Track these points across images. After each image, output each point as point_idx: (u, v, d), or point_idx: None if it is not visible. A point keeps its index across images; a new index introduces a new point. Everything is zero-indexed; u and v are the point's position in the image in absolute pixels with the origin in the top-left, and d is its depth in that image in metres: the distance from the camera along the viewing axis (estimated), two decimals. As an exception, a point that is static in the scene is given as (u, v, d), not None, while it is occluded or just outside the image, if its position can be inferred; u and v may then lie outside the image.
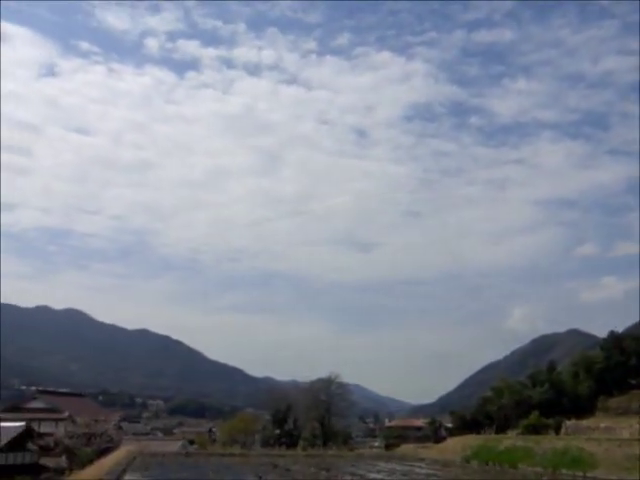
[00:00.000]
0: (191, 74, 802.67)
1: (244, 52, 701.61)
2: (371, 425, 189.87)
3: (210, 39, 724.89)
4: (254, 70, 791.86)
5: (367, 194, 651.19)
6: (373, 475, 31.03)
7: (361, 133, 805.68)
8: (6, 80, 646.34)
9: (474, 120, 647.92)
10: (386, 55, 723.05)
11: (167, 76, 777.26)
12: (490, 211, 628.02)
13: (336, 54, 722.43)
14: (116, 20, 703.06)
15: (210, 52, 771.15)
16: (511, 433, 60.68)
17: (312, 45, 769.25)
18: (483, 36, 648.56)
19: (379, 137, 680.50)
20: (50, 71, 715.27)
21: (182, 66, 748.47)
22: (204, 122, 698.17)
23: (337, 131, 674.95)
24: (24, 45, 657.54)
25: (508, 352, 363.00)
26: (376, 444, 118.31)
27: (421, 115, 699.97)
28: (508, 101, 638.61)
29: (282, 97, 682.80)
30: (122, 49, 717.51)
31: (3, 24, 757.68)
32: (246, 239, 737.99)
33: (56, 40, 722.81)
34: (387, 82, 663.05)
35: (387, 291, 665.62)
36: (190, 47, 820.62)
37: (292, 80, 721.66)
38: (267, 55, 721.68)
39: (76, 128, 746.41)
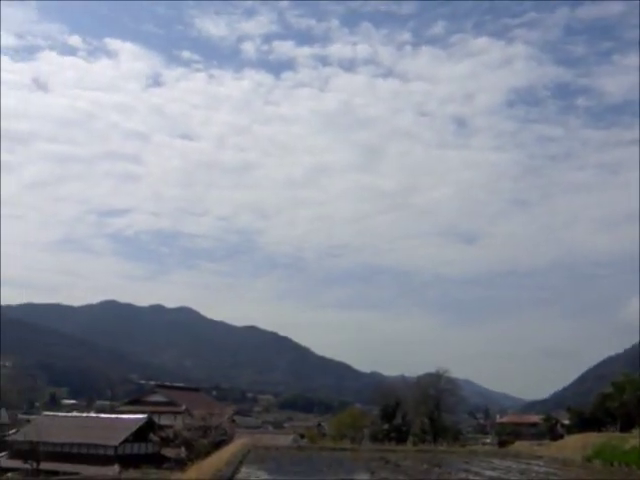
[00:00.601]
0: (287, 74, 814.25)
1: (339, 49, 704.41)
2: (481, 421, 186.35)
3: (304, 38, 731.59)
4: (349, 66, 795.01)
5: (470, 184, 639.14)
6: (489, 472, 30.38)
7: (461, 122, 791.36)
8: (116, 93, 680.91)
9: (581, 101, 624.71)
10: (484, 41, 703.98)
11: (265, 78, 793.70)
12: (602, 197, 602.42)
13: (432, 44, 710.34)
14: (214, 28, 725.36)
15: (305, 51, 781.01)
16: (635, 432, 57.70)
17: (407, 37, 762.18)
18: (588, 11, 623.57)
19: (480, 125, 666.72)
20: (155, 81, 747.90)
21: (278, 67, 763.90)
22: (303, 121, 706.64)
23: (436, 122, 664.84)
24: (130, 59, 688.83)
25: (629, 345, 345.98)
26: (488, 440, 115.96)
27: (524, 100, 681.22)
28: (619, 79, 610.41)
29: (379, 91, 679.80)
30: (221, 55, 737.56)
31: (109, 40, 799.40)
32: (348, 235, 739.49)
33: (159, 52, 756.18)
34: (486, 68, 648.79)
35: (494, 283, 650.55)
36: (285, 47, 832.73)
37: (388, 73, 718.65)
38: (362, 50, 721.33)
39: (181, 134, 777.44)
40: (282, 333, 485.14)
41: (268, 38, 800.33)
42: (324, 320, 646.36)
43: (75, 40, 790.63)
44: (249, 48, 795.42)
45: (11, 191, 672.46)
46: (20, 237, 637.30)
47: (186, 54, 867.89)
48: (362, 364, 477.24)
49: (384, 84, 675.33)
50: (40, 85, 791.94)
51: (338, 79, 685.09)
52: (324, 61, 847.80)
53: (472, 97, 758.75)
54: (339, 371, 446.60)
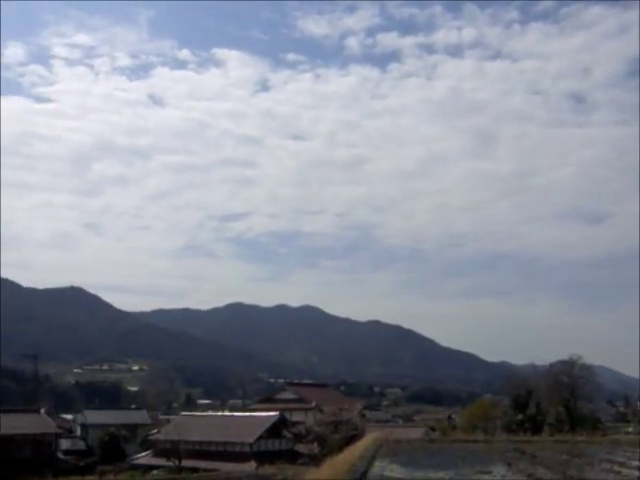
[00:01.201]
0: (393, 66, 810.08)
1: (443, 35, 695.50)
2: (621, 409, 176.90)
3: (408, 28, 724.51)
4: (455, 51, 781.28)
5: (592, 163, 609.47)
6: (635, 463, 28.74)
7: (578, 98, 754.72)
8: (226, 101, 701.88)
9: None
10: (597, 10, 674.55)
11: (370, 72, 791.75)
12: None
13: (541, 19, 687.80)
14: (317, 27, 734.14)
15: (409, 41, 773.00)
16: None
17: (514, 15, 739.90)
18: None
19: (599, 100, 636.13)
20: (263, 86, 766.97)
21: (384, 59, 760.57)
22: (412, 111, 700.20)
23: (551, 100, 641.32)
24: (237, 67, 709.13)
25: None
26: (630, 429, 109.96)
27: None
28: None
29: (488, 74, 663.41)
30: (325, 54, 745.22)
31: (216, 51, 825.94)
32: (467, 223, 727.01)
33: (265, 56, 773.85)
34: (602, 38, 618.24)
35: (625, 264, 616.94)
36: (389, 39, 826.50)
37: (496, 55, 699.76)
38: (467, 34, 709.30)
39: (292, 135, 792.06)
40: (406, 326, 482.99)
41: (371, 31, 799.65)
42: (448, 311, 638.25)
43: (185, 54, 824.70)
44: (353, 43, 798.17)
45: (134, 203, 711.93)
46: (147, 247, 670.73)
47: (291, 56, 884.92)
48: (490, 354, 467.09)
49: (493, 66, 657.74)
50: (155, 100, 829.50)
51: (445, 66, 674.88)
52: (429, 49, 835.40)
53: (589, 71, 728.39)
54: (466, 362, 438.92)
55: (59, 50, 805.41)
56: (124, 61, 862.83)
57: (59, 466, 55.97)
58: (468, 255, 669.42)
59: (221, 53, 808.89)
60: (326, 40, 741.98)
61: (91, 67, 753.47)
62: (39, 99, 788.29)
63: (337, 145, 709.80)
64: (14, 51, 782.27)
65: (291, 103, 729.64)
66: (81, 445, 73.47)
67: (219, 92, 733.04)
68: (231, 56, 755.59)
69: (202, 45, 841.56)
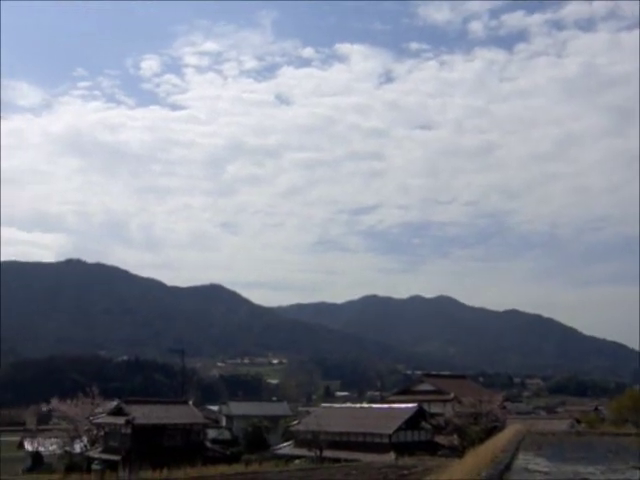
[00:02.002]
0: (521, 46, 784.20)
1: (573, 9, 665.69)
2: None
3: (534, 5, 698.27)
4: (587, 25, 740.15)
5: None
6: None
7: None
8: (352, 95, 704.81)
9: None
10: None
11: (497, 55, 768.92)
12: None
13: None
14: (439, 14, 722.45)
15: (536, 18, 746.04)
16: None
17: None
18: None
19: None
20: (388, 77, 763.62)
21: (510, 40, 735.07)
22: (543, 91, 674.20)
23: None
24: (361, 60, 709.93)
25: None
26: None
27: None
28: None
29: (624, 46, 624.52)
30: (449, 40, 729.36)
31: (339, 46, 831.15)
32: (608, 205, 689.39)
33: (388, 48, 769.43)
34: None
35: None
36: (515, 19, 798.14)
37: (633, 25, 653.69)
38: (599, 5, 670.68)
39: (419, 125, 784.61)
40: (546, 315, 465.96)
41: (495, 13, 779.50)
42: (590, 298, 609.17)
43: (308, 52, 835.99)
44: (477, 27, 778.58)
45: (267, 201, 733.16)
46: (281, 243, 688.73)
47: (414, 45, 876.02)
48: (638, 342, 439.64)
49: (629, 38, 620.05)
50: (283, 99, 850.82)
51: (576, 41, 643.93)
52: (559, 25, 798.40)
53: None
54: (613, 351, 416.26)
55: (190, 59, 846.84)
56: (251, 64, 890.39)
57: (207, 455, 58.68)
58: (609, 239, 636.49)
59: (344, 48, 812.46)
60: (449, 26, 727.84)
61: (220, 72, 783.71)
62: (174, 107, 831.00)
63: (465, 132, 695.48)
64: (149, 64, 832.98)
65: (416, 93, 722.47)
66: (227, 435, 76.52)
67: (344, 87, 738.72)
68: (354, 50, 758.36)
69: (325, 41, 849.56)
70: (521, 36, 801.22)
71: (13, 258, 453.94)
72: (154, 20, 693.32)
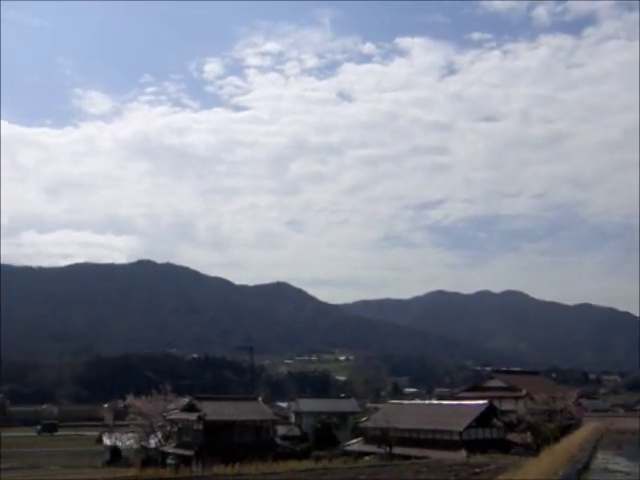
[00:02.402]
0: (588, 31, 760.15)
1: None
2: None
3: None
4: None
5: None
6: None
7: None
8: (413, 89, 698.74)
9: None
10: None
11: (563, 41, 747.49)
12: None
13: None
14: (500, 2, 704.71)
15: (605, 1, 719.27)
16: None
17: None
18: None
19: None
20: (450, 70, 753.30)
21: (577, 25, 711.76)
22: (614, 77, 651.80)
23: None
24: (422, 53, 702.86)
25: None
26: None
27: None
28: None
29: None
30: (512, 28, 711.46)
31: (399, 40, 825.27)
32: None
33: (449, 39, 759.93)
34: None
35: None
36: (581, 3, 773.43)
37: None
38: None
39: (483, 116, 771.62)
40: (621, 308, 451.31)
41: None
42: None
43: (369, 47, 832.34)
44: (541, 13, 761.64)
45: (331, 199, 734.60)
46: (346, 240, 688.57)
47: (476, 35, 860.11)
48: None
49: None
50: (344, 96, 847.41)
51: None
52: (629, 6, 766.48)
53: None
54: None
55: (251, 60, 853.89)
56: (312, 62, 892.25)
57: (277, 451, 59.26)
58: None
59: (404, 42, 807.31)
60: (512, 14, 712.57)
61: (281, 72, 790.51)
62: (237, 108, 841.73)
63: (532, 122, 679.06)
64: (212, 67, 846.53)
65: (480, 83, 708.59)
66: (296, 431, 77.07)
67: (406, 81, 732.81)
68: (415, 44, 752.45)
69: (385, 36, 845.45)
70: (589, 20, 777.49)
71: (87, 260, 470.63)
72: (216, 23, 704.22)
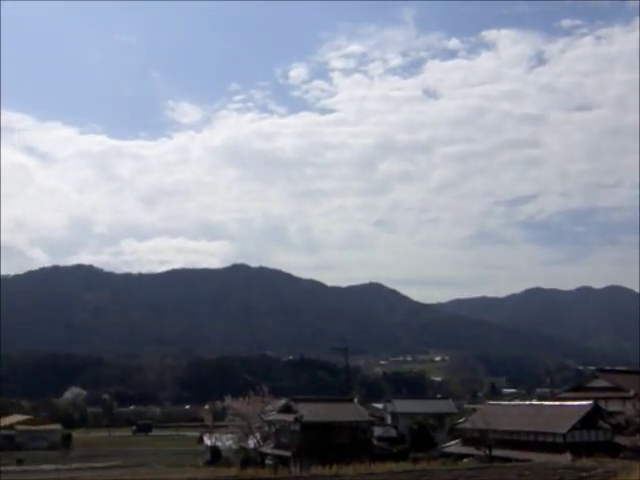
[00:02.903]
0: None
1: None
2: None
3: None
4: None
5: None
6: None
7: None
8: (502, 82, 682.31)
9: None
10: None
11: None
12: None
13: None
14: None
15: None
16: None
17: None
18: None
19: None
20: (539, 60, 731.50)
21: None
22: None
23: None
24: (509, 45, 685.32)
25: None
26: None
27: None
28: None
29: None
30: (604, 12, 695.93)
31: (485, 33, 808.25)
32: None
33: (537, 29, 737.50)
34: None
35: None
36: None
37: None
38: None
39: (577, 106, 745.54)
40: None
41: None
42: None
43: (454, 43, 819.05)
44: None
45: (421, 197, 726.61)
46: (437, 238, 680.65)
47: (566, 22, 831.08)
48: None
49: None
50: (430, 93, 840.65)
51: None
52: None
53: None
54: None
55: (336, 62, 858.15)
56: (396, 61, 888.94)
57: (374, 452, 59.00)
58: None
59: (490, 35, 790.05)
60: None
61: (365, 73, 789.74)
62: (323, 111, 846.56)
63: (629, 109, 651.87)
64: (297, 72, 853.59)
65: (572, 72, 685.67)
66: (392, 433, 76.54)
67: (493, 74, 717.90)
68: (501, 36, 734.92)
69: (470, 30, 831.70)
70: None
71: (183, 266, 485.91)
72: (299, 29, 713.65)
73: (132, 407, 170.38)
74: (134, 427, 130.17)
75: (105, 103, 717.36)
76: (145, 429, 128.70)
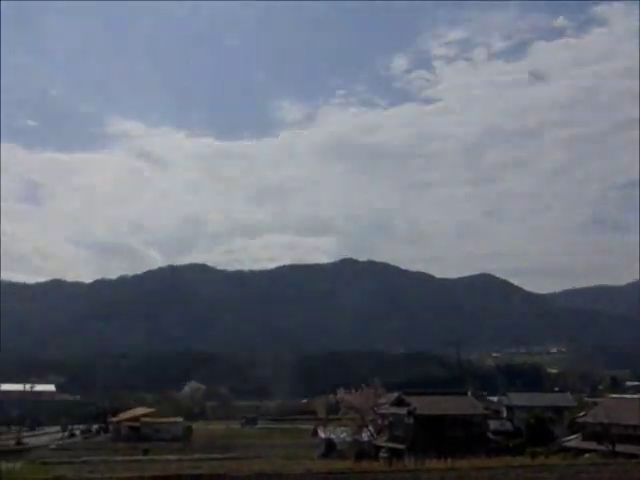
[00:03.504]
0: None
1: None
2: None
3: None
4: None
5: None
6: None
7: None
8: (615, 60, 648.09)
9: None
10: None
11: None
12: None
13: None
14: None
15: None
16: None
17: None
18: None
19: None
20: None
21: None
22: None
23: None
24: (621, 19, 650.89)
25: None
26: None
27: None
28: None
29: None
30: None
31: (594, 9, 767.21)
32: None
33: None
34: None
35: None
36: None
37: None
38: None
39: None
40: None
41: None
42: None
43: (560, 22, 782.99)
44: None
45: (531, 184, 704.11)
46: (550, 226, 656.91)
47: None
48: None
49: None
50: (537, 76, 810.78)
51: None
52: None
53: None
54: None
55: (437, 50, 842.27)
56: (499, 45, 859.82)
57: (489, 446, 58.17)
58: None
59: (601, 10, 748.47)
60: None
61: (469, 59, 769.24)
62: (427, 101, 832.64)
63: None
64: (398, 62, 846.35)
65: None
66: (508, 426, 75.12)
67: (606, 52, 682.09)
68: (613, 10, 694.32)
69: (577, 7, 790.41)
70: None
71: (293, 262, 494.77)
72: (398, 19, 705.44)
73: (247, 401, 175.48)
74: (243, 420, 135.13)
75: (210, 105, 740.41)
76: (252, 422, 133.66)
